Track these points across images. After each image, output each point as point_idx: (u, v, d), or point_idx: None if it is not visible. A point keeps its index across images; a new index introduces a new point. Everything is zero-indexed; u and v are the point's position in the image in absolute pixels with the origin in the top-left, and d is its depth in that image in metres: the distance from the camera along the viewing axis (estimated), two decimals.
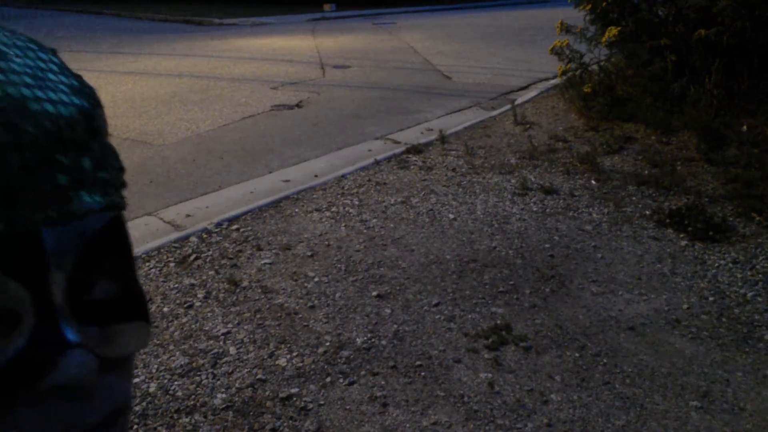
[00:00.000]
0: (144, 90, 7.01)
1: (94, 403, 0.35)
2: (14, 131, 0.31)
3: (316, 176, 4.26)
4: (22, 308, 0.32)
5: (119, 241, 0.39)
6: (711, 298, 2.71)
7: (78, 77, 0.37)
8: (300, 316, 2.60)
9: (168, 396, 2.14)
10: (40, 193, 0.32)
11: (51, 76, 0.35)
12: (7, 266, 0.32)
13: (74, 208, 0.34)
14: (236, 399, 2.12)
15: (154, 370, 2.27)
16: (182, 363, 2.30)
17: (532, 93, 6.66)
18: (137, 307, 0.40)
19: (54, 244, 0.33)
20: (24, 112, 0.32)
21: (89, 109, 0.36)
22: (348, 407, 2.09)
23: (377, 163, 4.45)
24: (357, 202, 3.76)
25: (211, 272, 2.95)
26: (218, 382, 2.20)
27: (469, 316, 2.59)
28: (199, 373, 2.25)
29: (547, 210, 3.64)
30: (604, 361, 2.31)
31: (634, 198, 3.79)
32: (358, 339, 2.44)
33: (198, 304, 2.69)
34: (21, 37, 0.36)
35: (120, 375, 0.38)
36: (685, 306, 2.65)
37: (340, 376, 2.24)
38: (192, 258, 3.07)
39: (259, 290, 2.79)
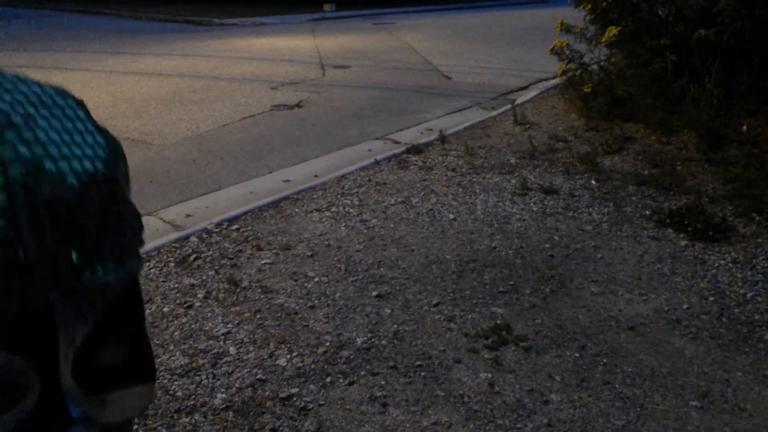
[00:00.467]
0: (144, 90, 7.00)
1: None
2: (31, 195, 0.30)
3: (316, 176, 4.26)
4: (28, 383, 0.32)
5: (132, 307, 0.39)
6: (711, 298, 2.71)
7: (103, 132, 0.37)
8: (300, 316, 2.60)
9: (168, 396, 2.14)
10: (54, 272, 0.31)
11: (76, 136, 0.34)
12: (14, 344, 0.31)
13: (88, 283, 0.33)
14: (236, 399, 2.12)
15: None
16: (182, 363, 2.30)
17: (532, 93, 6.66)
18: (143, 370, 0.39)
19: (65, 320, 0.33)
20: (42, 176, 0.31)
21: (110, 171, 0.35)
22: (348, 407, 2.09)
23: (377, 163, 4.45)
24: (357, 202, 3.76)
25: (211, 272, 2.95)
26: (218, 382, 2.20)
27: (469, 316, 2.59)
28: (199, 373, 2.25)
29: (547, 210, 3.64)
30: (604, 361, 2.31)
31: (634, 198, 3.79)
32: (358, 339, 2.44)
33: (198, 304, 2.69)
34: (48, 90, 0.35)
35: None
36: (685, 306, 2.65)
37: (340, 376, 2.24)
38: (192, 258, 3.07)
39: (259, 290, 2.79)
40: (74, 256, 0.32)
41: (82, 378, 0.34)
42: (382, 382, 2.20)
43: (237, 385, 2.19)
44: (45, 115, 0.33)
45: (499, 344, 2.40)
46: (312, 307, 2.66)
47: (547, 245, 3.21)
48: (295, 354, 2.36)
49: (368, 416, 2.05)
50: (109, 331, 0.36)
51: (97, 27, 14.17)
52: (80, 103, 0.37)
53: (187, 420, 2.03)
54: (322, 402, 2.11)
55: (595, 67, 5.81)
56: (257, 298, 2.74)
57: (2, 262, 0.29)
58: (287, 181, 4.22)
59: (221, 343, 2.42)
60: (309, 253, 3.13)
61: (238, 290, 2.79)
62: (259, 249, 3.16)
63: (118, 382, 0.37)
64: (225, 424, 2.02)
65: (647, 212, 3.58)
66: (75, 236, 0.32)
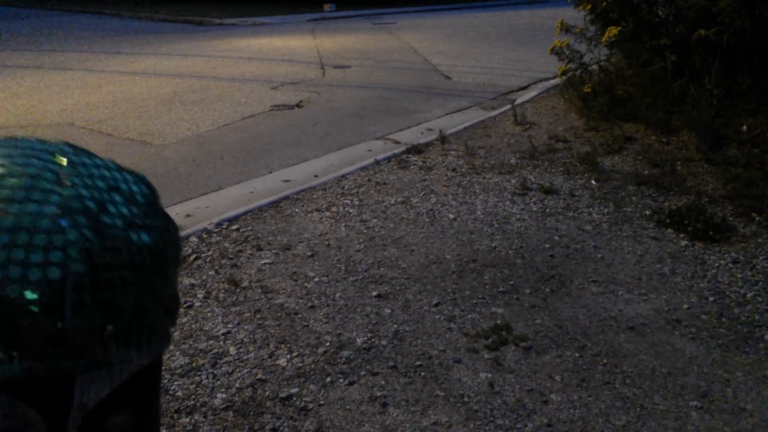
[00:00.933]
0: (144, 90, 7.01)
1: None
2: (82, 276, 0.33)
3: (316, 176, 4.26)
4: None
5: (148, 381, 0.41)
6: (711, 298, 2.71)
7: (164, 217, 0.40)
8: (300, 316, 2.60)
9: (168, 396, 2.14)
10: (85, 345, 0.34)
11: (137, 221, 0.37)
12: (32, 399, 0.34)
13: (113, 358, 0.36)
14: (236, 399, 2.12)
15: None
16: (182, 363, 2.30)
17: (532, 93, 6.66)
18: None
19: (83, 385, 0.36)
20: (95, 262, 0.34)
21: (158, 259, 0.38)
22: (348, 407, 2.09)
23: (377, 163, 4.45)
24: (357, 202, 3.76)
25: (211, 272, 2.95)
26: (218, 382, 2.20)
27: (469, 316, 2.59)
28: (199, 373, 2.25)
29: (547, 210, 3.64)
30: (604, 361, 2.31)
31: (634, 198, 3.79)
32: (358, 339, 2.44)
33: (198, 304, 2.69)
34: (127, 176, 0.39)
35: None
36: (685, 306, 2.65)
37: (340, 376, 2.24)
38: (192, 258, 3.07)
39: (259, 290, 2.79)
40: (107, 332, 0.35)
41: None
42: (382, 382, 2.20)
43: (237, 385, 2.19)
44: (117, 200, 0.37)
45: (499, 344, 2.39)
46: (312, 307, 2.66)
47: (547, 245, 3.21)
48: (295, 354, 2.36)
49: (368, 416, 2.05)
50: (122, 399, 0.39)
51: (96, 27, 14.18)
52: (152, 191, 0.40)
53: (187, 420, 2.03)
54: (322, 402, 2.11)
55: (595, 67, 5.81)
56: (257, 298, 2.74)
57: (41, 330, 0.33)
58: (287, 181, 4.22)
59: (221, 343, 2.42)
60: (309, 253, 3.13)
61: (238, 290, 2.79)
62: (259, 249, 3.16)
63: None
64: (225, 424, 2.02)
65: (647, 212, 3.58)
66: (112, 315, 0.35)
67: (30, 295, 0.33)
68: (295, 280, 2.87)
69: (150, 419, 0.42)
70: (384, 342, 2.42)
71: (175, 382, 2.20)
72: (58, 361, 0.34)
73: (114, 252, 0.35)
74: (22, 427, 0.34)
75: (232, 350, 2.38)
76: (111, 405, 0.38)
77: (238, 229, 3.38)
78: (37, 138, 0.39)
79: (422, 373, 2.25)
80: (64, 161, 0.37)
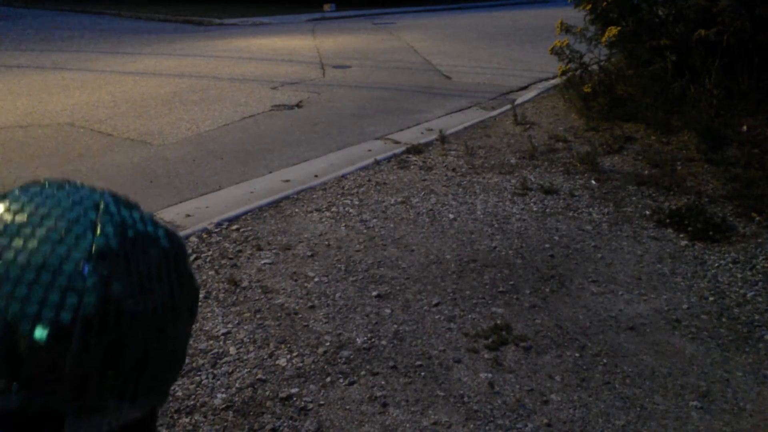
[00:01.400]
0: (144, 90, 7.01)
1: None
2: (90, 319, 0.35)
3: (316, 176, 4.26)
4: None
5: (142, 429, 0.42)
6: (711, 298, 2.71)
7: (185, 276, 0.41)
8: (300, 316, 2.60)
9: (168, 396, 2.13)
10: (83, 389, 0.36)
11: (153, 275, 0.38)
12: None
13: (106, 405, 0.37)
14: (236, 399, 2.12)
15: None
16: None
17: (532, 93, 6.66)
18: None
19: (73, 427, 0.37)
20: (105, 310, 0.36)
21: (176, 309, 0.40)
22: (348, 407, 2.09)
23: (377, 163, 4.45)
24: (357, 202, 3.76)
25: (211, 272, 2.95)
26: (218, 382, 2.20)
27: (469, 316, 2.59)
28: (199, 373, 2.25)
29: (547, 210, 3.64)
30: (604, 361, 2.31)
31: (634, 198, 3.79)
32: (358, 339, 2.44)
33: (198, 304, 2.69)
34: (161, 231, 0.40)
35: None
36: (685, 306, 2.65)
37: (340, 376, 2.24)
38: (192, 258, 3.07)
39: (259, 290, 2.79)
40: (106, 382, 0.36)
41: None
42: (382, 382, 2.20)
43: (237, 385, 2.19)
44: (142, 252, 0.38)
45: (499, 344, 2.39)
46: (312, 307, 2.66)
47: (547, 245, 3.21)
48: (295, 354, 2.36)
49: (368, 416, 2.05)
50: None
51: (97, 27, 14.17)
52: (180, 248, 0.42)
53: (187, 420, 2.03)
54: (322, 402, 2.11)
55: (595, 67, 5.81)
56: (257, 298, 2.74)
57: (43, 366, 0.34)
58: (287, 181, 4.22)
59: (221, 343, 2.42)
60: (309, 253, 3.13)
61: (238, 290, 2.79)
62: (259, 249, 3.16)
63: None
64: (225, 424, 2.02)
65: (647, 212, 3.58)
66: (113, 365, 0.36)
67: (40, 332, 0.34)
68: (295, 280, 2.87)
69: None
70: (384, 342, 2.42)
71: (175, 382, 2.20)
72: (53, 399, 0.35)
73: (127, 305, 0.36)
74: None
75: (232, 350, 2.38)
76: None
77: (238, 229, 3.38)
78: (86, 185, 0.41)
79: (422, 373, 2.25)
80: (102, 209, 0.39)
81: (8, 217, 0.37)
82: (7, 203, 0.38)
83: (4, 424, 0.35)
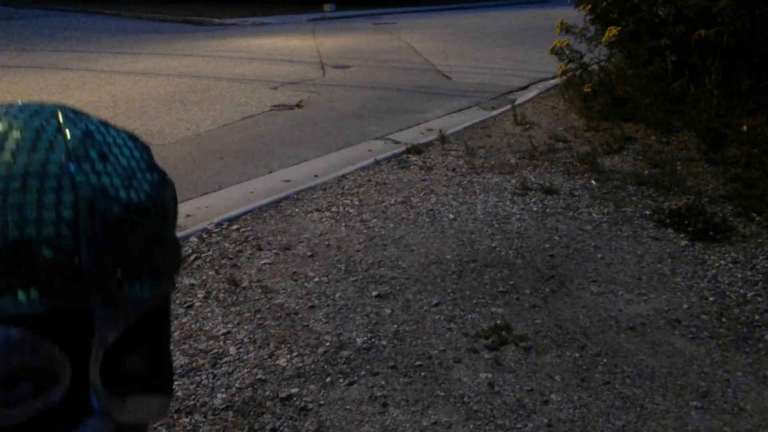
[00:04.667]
0: (144, 90, 7.01)
1: None
2: (93, 214, 0.36)
3: (316, 176, 4.26)
4: (62, 372, 0.37)
5: (160, 322, 0.44)
6: (711, 298, 2.71)
7: (160, 173, 0.43)
8: (300, 316, 2.60)
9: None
10: (100, 281, 0.37)
11: (137, 173, 0.40)
12: (57, 336, 0.36)
13: (125, 295, 0.38)
14: (236, 399, 2.12)
15: None
16: (182, 363, 2.30)
17: (532, 93, 6.66)
18: (163, 381, 0.45)
19: (101, 322, 0.38)
20: (104, 200, 0.37)
21: (161, 205, 0.41)
22: (348, 407, 2.09)
23: (377, 163, 4.45)
24: (357, 202, 3.76)
25: (211, 272, 2.95)
26: (218, 382, 2.20)
27: (469, 316, 2.59)
28: (199, 373, 2.25)
29: (547, 210, 3.64)
30: (604, 361, 2.31)
31: (634, 198, 3.79)
32: (358, 339, 2.44)
33: (198, 304, 2.69)
34: (122, 134, 0.42)
35: None
36: (685, 306, 2.65)
37: (340, 376, 2.24)
38: (192, 258, 3.07)
39: (259, 290, 2.79)
40: (119, 270, 0.37)
41: (107, 378, 0.39)
42: (382, 382, 2.20)
43: (237, 385, 2.19)
44: (116, 152, 0.40)
45: (499, 344, 2.40)
46: (312, 307, 2.66)
47: (547, 245, 3.21)
48: (295, 354, 2.36)
49: (368, 416, 2.05)
50: (137, 339, 0.41)
51: (96, 27, 14.17)
52: (146, 148, 0.44)
53: (187, 420, 2.03)
54: (322, 402, 2.11)
55: (595, 67, 5.81)
56: (257, 298, 2.74)
57: (60, 266, 0.35)
58: (287, 181, 4.22)
59: (221, 343, 2.42)
60: (309, 253, 3.13)
61: (238, 290, 2.79)
62: (259, 249, 3.16)
63: (138, 388, 0.42)
64: (225, 424, 2.02)
65: (647, 212, 3.58)
66: (123, 254, 0.38)
67: (47, 232, 0.35)
68: (295, 280, 2.87)
69: (163, 363, 0.45)
70: (384, 342, 2.42)
71: (175, 382, 2.20)
72: (76, 296, 0.36)
73: (120, 197, 0.38)
74: (47, 365, 0.36)
75: (232, 350, 2.38)
76: (127, 345, 0.40)
77: (238, 229, 3.38)
78: (36, 101, 0.42)
79: (422, 373, 2.25)
80: (62, 117, 0.40)
81: None
82: None
83: (34, 328, 0.36)
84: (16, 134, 0.37)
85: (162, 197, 0.41)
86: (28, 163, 0.36)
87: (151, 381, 0.43)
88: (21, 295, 0.35)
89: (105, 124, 0.41)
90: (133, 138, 0.42)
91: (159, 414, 0.45)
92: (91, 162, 0.37)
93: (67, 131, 0.38)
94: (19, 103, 0.41)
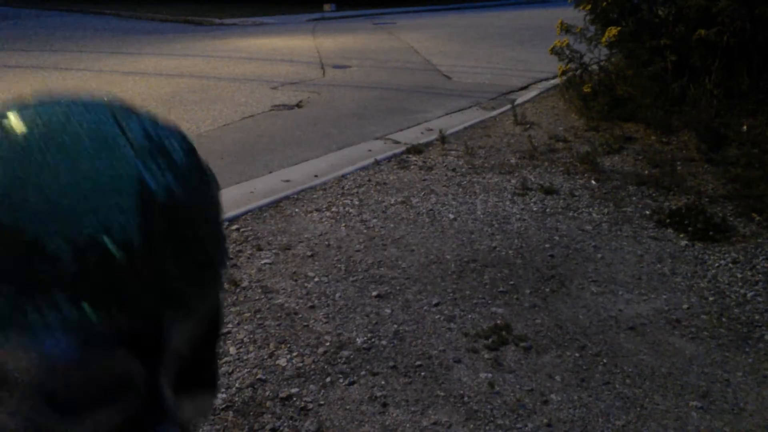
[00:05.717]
0: (144, 90, 7.01)
1: None
2: (166, 216, 0.36)
3: (316, 176, 4.26)
4: (138, 381, 0.37)
5: (217, 327, 0.44)
6: (711, 298, 2.71)
7: (210, 171, 0.43)
8: (300, 316, 2.60)
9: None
10: (174, 288, 0.37)
11: (194, 171, 0.40)
12: (131, 345, 0.36)
13: (198, 301, 0.38)
14: (236, 399, 2.12)
15: None
16: None
17: (532, 93, 6.66)
18: (213, 379, 0.45)
19: (172, 333, 0.38)
20: (174, 203, 0.36)
21: (217, 203, 0.41)
22: (348, 407, 2.09)
23: (377, 163, 4.45)
24: (357, 202, 3.76)
25: None
26: (218, 382, 2.20)
27: (469, 316, 2.59)
28: None
29: (547, 210, 3.64)
30: (604, 361, 2.31)
31: (634, 198, 3.79)
32: (358, 339, 2.44)
33: None
34: (173, 130, 0.41)
35: None
36: (685, 306, 2.65)
37: (340, 376, 2.24)
38: None
39: (259, 290, 2.79)
40: (189, 276, 0.37)
41: (171, 385, 0.40)
42: (382, 382, 2.20)
43: (237, 385, 2.19)
44: (173, 151, 0.39)
45: (499, 344, 2.40)
46: (312, 307, 2.66)
47: (547, 245, 3.21)
48: (295, 354, 2.36)
49: (368, 416, 2.05)
50: (202, 345, 0.42)
51: (97, 27, 14.17)
52: (193, 145, 0.43)
53: None
54: (322, 402, 2.11)
55: (595, 67, 5.81)
56: (257, 298, 2.74)
57: (137, 276, 0.35)
58: (287, 181, 4.22)
59: (221, 343, 2.42)
60: (309, 253, 3.13)
61: (238, 290, 2.79)
62: (259, 249, 3.16)
63: (198, 389, 0.43)
64: (225, 424, 2.02)
65: (647, 212, 3.58)
66: (191, 258, 0.37)
67: (121, 238, 0.34)
68: (295, 280, 2.87)
69: (214, 360, 0.45)
70: (384, 342, 2.42)
71: None
72: (154, 307, 0.35)
73: (184, 198, 0.37)
74: (123, 377, 0.36)
75: (232, 350, 2.38)
76: (192, 352, 0.40)
77: (238, 229, 3.38)
78: (86, 94, 0.41)
79: (422, 373, 2.25)
80: (118, 113, 0.39)
81: (33, 132, 0.36)
82: (23, 118, 0.37)
83: (112, 341, 0.35)
84: (77, 133, 0.36)
85: (216, 194, 0.41)
86: (93, 163, 0.35)
87: (208, 381, 0.43)
88: (96, 306, 0.34)
89: (154, 120, 0.40)
90: (181, 134, 0.42)
91: (208, 411, 0.46)
92: (156, 163, 0.36)
93: (129, 130, 0.37)
94: (70, 96, 0.40)
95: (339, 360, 2.32)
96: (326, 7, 17.95)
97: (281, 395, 2.13)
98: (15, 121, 0.37)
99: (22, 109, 0.38)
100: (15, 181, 0.34)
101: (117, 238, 0.34)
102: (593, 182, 4.05)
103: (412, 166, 4.40)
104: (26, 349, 0.33)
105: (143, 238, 0.34)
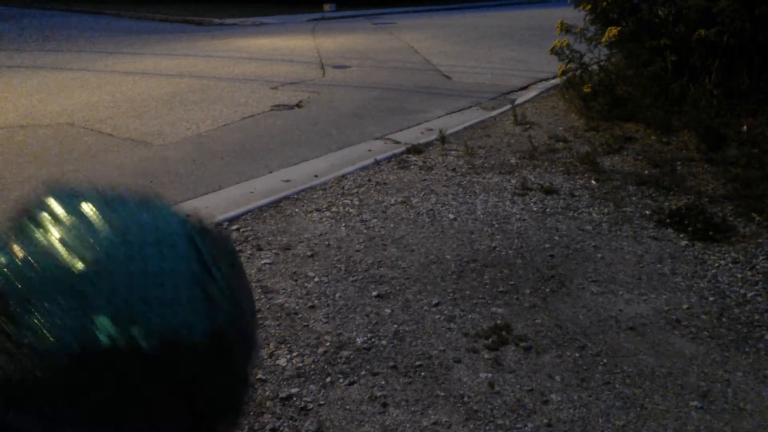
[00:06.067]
0: (144, 90, 7.00)
1: None
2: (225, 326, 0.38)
3: (316, 176, 4.26)
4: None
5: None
6: (711, 298, 2.71)
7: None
8: (300, 316, 2.60)
9: None
10: (235, 396, 0.40)
11: (227, 254, 0.42)
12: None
13: (245, 404, 0.42)
14: None
15: None
16: None
17: (532, 93, 6.66)
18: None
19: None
20: (234, 314, 0.39)
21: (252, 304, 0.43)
22: (348, 407, 2.09)
23: (377, 163, 4.44)
24: (357, 202, 3.76)
25: None
26: None
27: (469, 316, 2.59)
28: None
29: (547, 210, 3.64)
30: (604, 361, 2.31)
31: (634, 198, 3.79)
32: (358, 339, 2.44)
33: None
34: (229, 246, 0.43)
35: None
36: (685, 306, 2.65)
37: (340, 376, 2.24)
38: None
39: (259, 290, 2.79)
40: (242, 376, 0.41)
41: None
42: (382, 382, 2.20)
43: None
44: (226, 263, 0.42)
45: (499, 344, 2.39)
46: (312, 307, 2.66)
47: (547, 245, 3.20)
48: (295, 354, 2.36)
49: (368, 416, 2.05)
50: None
51: (97, 27, 14.17)
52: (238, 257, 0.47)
53: None
54: (322, 402, 2.11)
55: (595, 67, 5.81)
56: (257, 298, 2.73)
57: (222, 373, 0.37)
58: (287, 181, 4.22)
59: None
60: (309, 253, 3.13)
61: None
62: (259, 249, 3.16)
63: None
64: None
65: (647, 212, 3.58)
66: (247, 361, 0.41)
67: (198, 338, 0.35)
68: (295, 280, 2.87)
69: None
70: (384, 342, 2.42)
71: None
72: (223, 418, 0.38)
73: (236, 306, 0.40)
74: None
75: None
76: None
77: (238, 229, 3.38)
78: (163, 203, 0.44)
79: (422, 373, 2.25)
80: (190, 227, 0.41)
81: (111, 229, 0.39)
82: (100, 214, 0.40)
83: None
84: (154, 234, 0.39)
85: (252, 305, 0.46)
86: (176, 274, 0.36)
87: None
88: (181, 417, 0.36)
89: (221, 236, 0.43)
90: (229, 242, 0.45)
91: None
92: (218, 266, 0.38)
93: (197, 243, 0.39)
94: (141, 201, 0.42)
95: (339, 360, 2.32)
96: (326, 7, 17.95)
97: (281, 395, 2.13)
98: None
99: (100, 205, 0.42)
100: None
101: (202, 332, 0.38)
102: (593, 182, 4.05)
103: (412, 166, 4.40)
104: None
105: (222, 337, 0.37)
